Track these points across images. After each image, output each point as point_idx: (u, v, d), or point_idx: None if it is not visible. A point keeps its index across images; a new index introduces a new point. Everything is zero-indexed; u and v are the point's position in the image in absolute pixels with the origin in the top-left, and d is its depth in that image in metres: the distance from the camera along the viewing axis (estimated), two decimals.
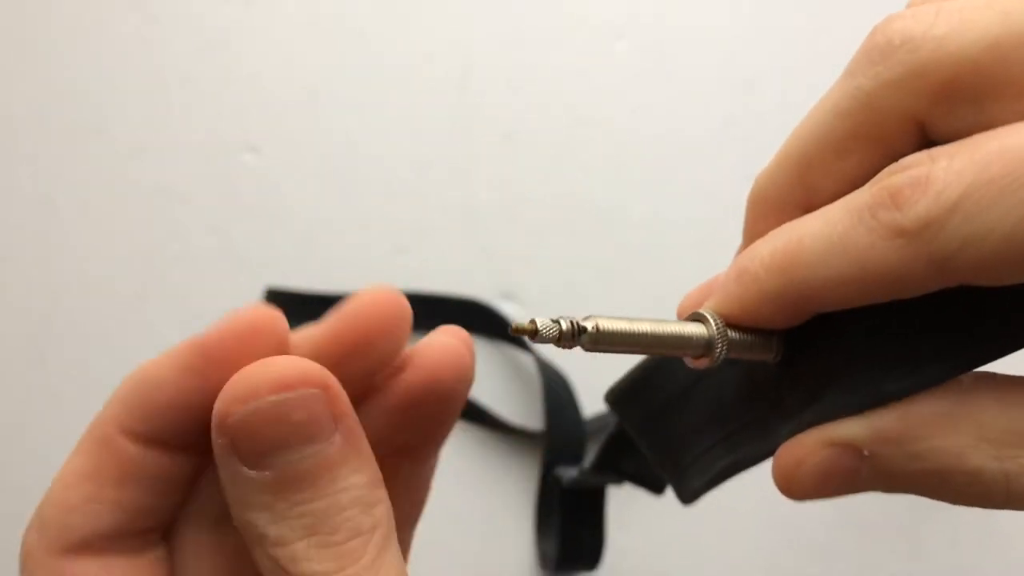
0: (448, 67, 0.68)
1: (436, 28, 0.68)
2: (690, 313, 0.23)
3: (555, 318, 0.21)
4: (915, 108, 0.20)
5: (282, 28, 0.67)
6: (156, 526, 0.22)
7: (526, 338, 0.21)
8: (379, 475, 0.21)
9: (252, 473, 0.19)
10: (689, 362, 0.23)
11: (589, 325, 0.21)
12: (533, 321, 0.21)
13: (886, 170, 0.20)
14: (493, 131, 0.67)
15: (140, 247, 0.64)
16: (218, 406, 0.20)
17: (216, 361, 0.20)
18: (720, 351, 0.22)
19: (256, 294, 0.64)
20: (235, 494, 0.20)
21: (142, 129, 0.65)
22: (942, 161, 0.19)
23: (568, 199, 0.66)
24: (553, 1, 0.69)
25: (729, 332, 0.23)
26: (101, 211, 0.64)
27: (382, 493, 0.21)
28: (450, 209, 0.66)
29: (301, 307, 0.63)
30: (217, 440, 0.20)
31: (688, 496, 0.28)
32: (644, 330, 0.21)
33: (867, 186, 0.20)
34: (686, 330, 0.22)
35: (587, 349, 0.21)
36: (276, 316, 0.22)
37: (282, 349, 0.21)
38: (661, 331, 0.22)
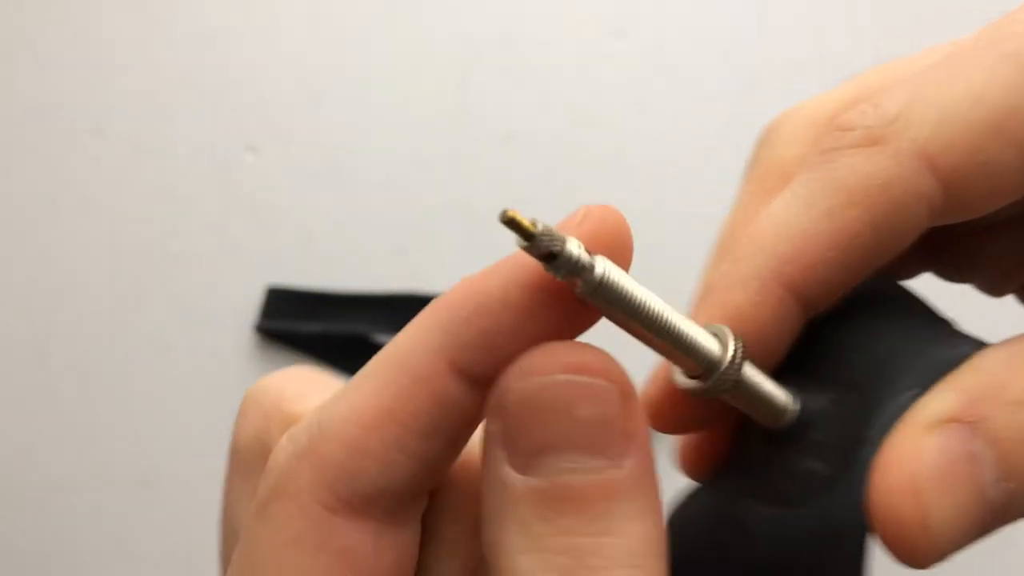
0: (448, 67, 0.68)
1: (436, 28, 0.68)
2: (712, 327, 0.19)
3: (565, 237, 0.17)
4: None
5: (282, 28, 0.67)
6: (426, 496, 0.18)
7: (516, 239, 0.16)
8: (662, 535, 0.16)
9: (516, 476, 0.16)
10: (677, 376, 0.19)
11: (599, 264, 0.16)
12: (534, 221, 0.16)
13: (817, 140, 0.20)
14: (493, 131, 0.67)
15: (140, 247, 0.64)
16: (499, 380, 0.16)
17: (551, 286, 0.17)
18: (725, 381, 0.18)
19: (256, 293, 0.64)
20: (491, 503, 0.16)
21: (142, 129, 0.65)
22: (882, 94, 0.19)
23: (568, 199, 0.66)
24: (553, 1, 0.69)
25: (748, 369, 0.18)
26: (101, 211, 0.64)
27: (659, 565, 0.16)
28: (450, 209, 0.66)
29: (301, 306, 0.63)
30: (489, 425, 0.16)
31: None
32: (654, 308, 0.17)
33: (806, 162, 0.20)
34: (697, 336, 0.18)
35: (579, 292, 0.17)
36: (622, 225, 0.18)
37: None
38: (671, 322, 0.17)
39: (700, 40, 0.69)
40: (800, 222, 0.19)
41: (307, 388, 0.21)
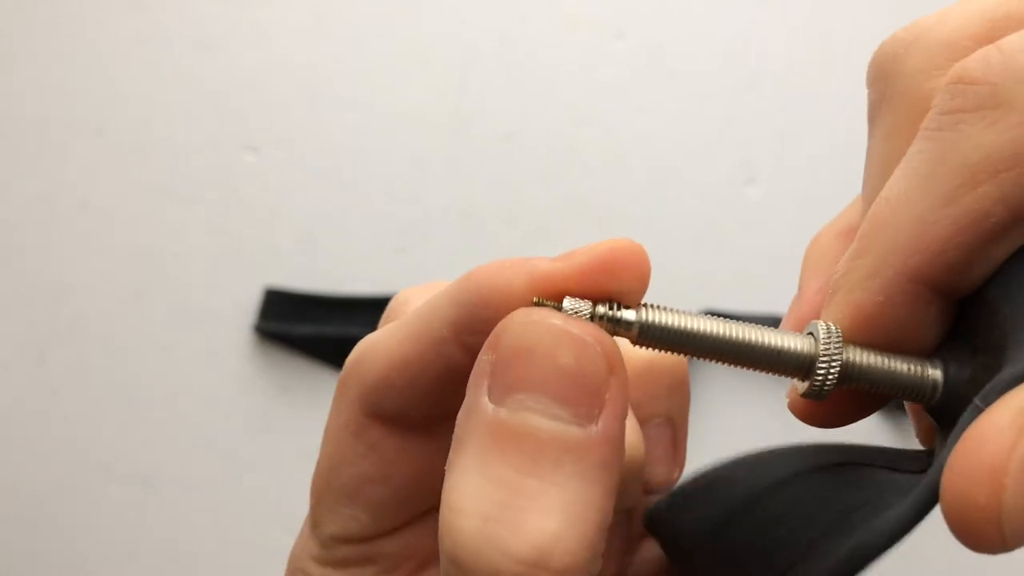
0: (448, 67, 0.68)
1: (436, 29, 0.68)
2: (807, 326, 0.18)
3: (597, 301, 0.18)
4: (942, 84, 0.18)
5: (282, 28, 0.67)
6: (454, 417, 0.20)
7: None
8: (606, 508, 0.17)
9: (489, 405, 0.17)
10: (795, 385, 0.18)
11: (630, 314, 0.17)
12: (563, 298, 0.17)
13: (947, 73, 0.17)
14: (493, 131, 0.67)
15: (140, 247, 0.64)
16: (503, 321, 0.17)
17: (556, 295, 0.18)
18: (826, 373, 0.17)
19: (255, 293, 0.64)
20: (460, 427, 0.17)
21: (142, 129, 0.65)
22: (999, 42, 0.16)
23: (568, 199, 0.66)
24: (553, 1, 0.69)
25: (852, 351, 0.17)
26: (101, 211, 0.64)
27: (588, 530, 0.16)
28: (450, 209, 0.66)
29: (299, 308, 0.63)
30: (481, 356, 0.17)
31: None
32: (716, 332, 0.17)
33: (932, 106, 0.17)
34: (780, 341, 0.17)
35: (635, 343, 0.18)
36: (640, 256, 0.18)
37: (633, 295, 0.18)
38: (741, 337, 0.17)
39: (700, 40, 0.69)
40: (919, 208, 0.17)
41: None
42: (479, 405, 0.17)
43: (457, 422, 0.18)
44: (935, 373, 0.17)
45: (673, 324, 0.17)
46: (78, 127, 0.65)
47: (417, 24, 0.68)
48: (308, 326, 0.63)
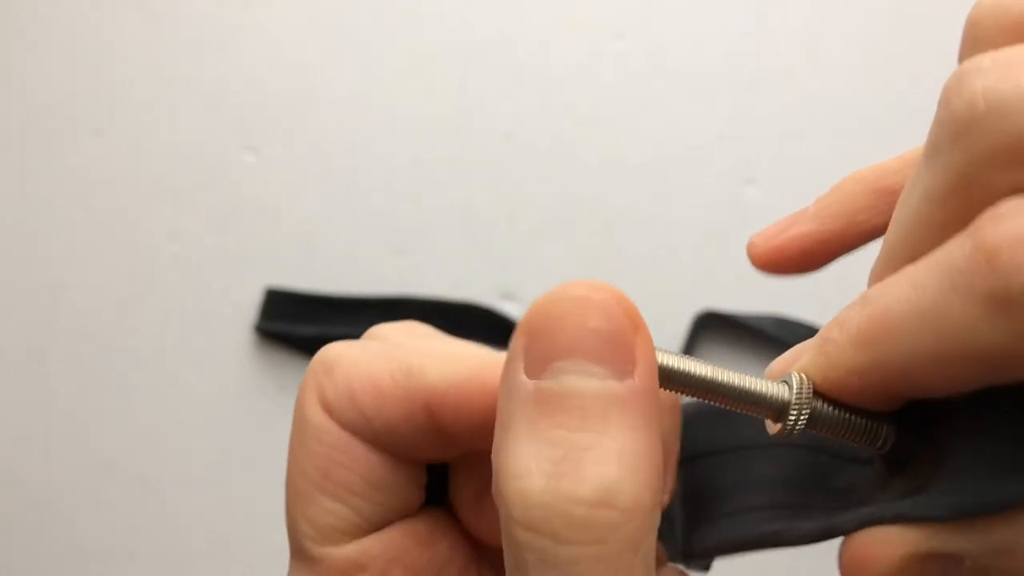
0: (448, 67, 0.68)
1: (436, 28, 0.68)
2: (782, 373, 0.20)
3: None
4: (1020, 180, 0.17)
5: (282, 28, 0.67)
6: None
7: None
8: (656, 452, 0.18)
9: (528, 381, 0.18)
10: (767, 425, 0.21)
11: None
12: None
13: (980, 219, 0.17)
14: (493, 131, 0.67)
15: (140, 247, 0.64)
16: (531, 306, 0.19)
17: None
18: (794, 421, 0.19)
19: (256, 294, 0.64)
20: (503, 410, 0.18)
21: (142, 129, 0.65)
22: None
23: (568, 199, 0.66)
24: (553, 2, 0.69)
25: (819, 404, 0.20)
26: (101, 211, 0.64)
27: (644, 475, 0.18)
28: (450, 209, 0.66)
29: (300, 308, 0.63)
30: (513, 344, 0.18)
31: (701, 551, 0.24)
32: (710, 376, 0.19)
33: (960, 238, 0.17)
34: (760, 388, 0.20)
35: None
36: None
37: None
38: (731, 382, 0.20)
39: (700, 40, 0.69)
40: (912, 349, 0.18)
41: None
42: (518, 383, 0.18)
43: (498, 407, 0.19)
44: (888, 432, 0.20)
45: (680, 368, 0.19)
46: (78, 127, 0.65)
47: (417, 24, 0.68)
48: (308, 326, 0.63)
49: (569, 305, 0.18)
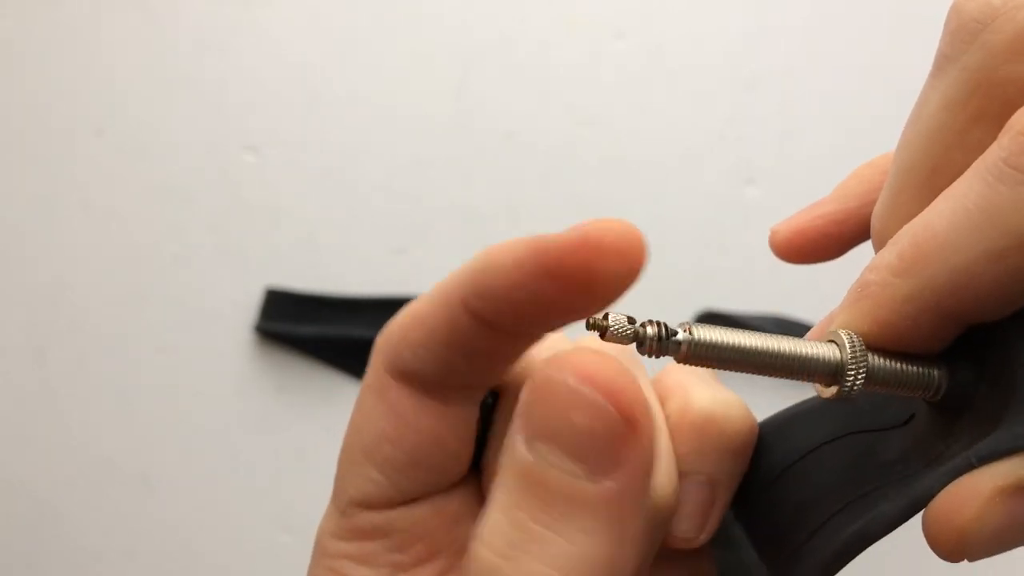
0: (448, 67, 0.68)
1: (436, 28, 0.68)
2: (827, 334, 0.19)
3: (644, 321, 0.19)
4: None
5: (282, 28, 0.67)
6: (471, 392, 0.22)
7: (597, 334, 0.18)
8: (615, 563, 0.18)
9: (521, 447, 0.18)
10: (818, 390, 0.20)
11: (681, 332, 0.18)
12: (605, 315, 0.18)
13: (1016, 116, 0.17)
14: (493, 131, 0.67)
15: (140, 247, 0.64)
16: (536, 371, 0.18)
17: (553, 267, 0.18)
18: (854, 379, 0.18)
19: (256, 293, 0.64)
20: (503, 456, 0.18)
21: (142, 129, 0.65)
22: None
23: (568, 199, 0.66)
24: (553, 2, 0.69)
25: (872, 358, 0.19)
26: (101, 211, 0.64)
27: None
28: (450, 209, 0.66)
29: (300, 309, 0.63)
30: (521, 394, 0.18)
31: None
32: (754, 345, 0.18)
33: (997, 141, 0.17)
34: (811, 350, 0.19)
35: (679, 361, 0.18)
36: (635, 239, 0.19)
37: (625, 278, 0.19)
38: (777, 348, 0.18)
39: (700, 40, 0.69)
40: (965, 257, 0.17)
41: None
42: (515, 443, 0.18)
43: (500, 458, 0.19)
44: (940, 376, 0.19)
45: (718, 341, 0.18)
46: (78, 127, 0.65)
47: (417, 24, 0.68)
48: (308, 326, 0.63)
49: (560, 394, 0.17)
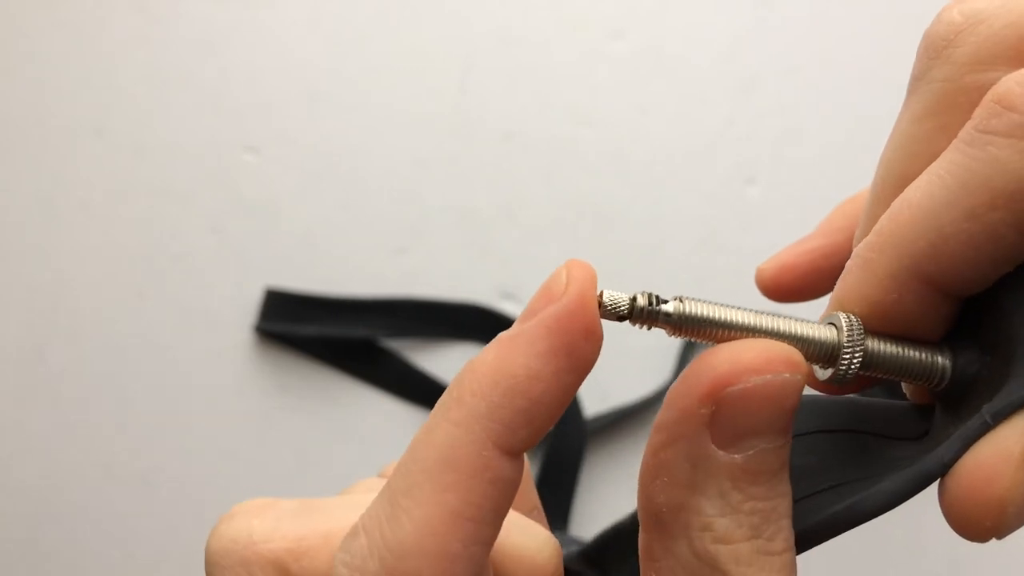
0: (448, 67, 0.68)
1: (435, 28, 0.68)
2: (825, 317, 0.19)
3: (633, 294, 0.19)
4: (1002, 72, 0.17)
5: (282, 28, 0.67)
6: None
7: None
8: None
9: (720, 454, 0.17)
10: (816, 373, 0.19)
11: (671, 305, 0.18)
12: (601, 292, 0.18)
13: (993, 87, 0.17)
14: (493, 131, 0.67)
15: (140, 247, 0.64)
16: (712, 374, 0.17)
17: (578, 336, 0.18)
18: (849, 361, 0.18)
19: (256, 294, 0.64)
20: (686, 475, 0.18)
21: (142, 129, 0.65)
22: None
23: (568, 199, 0.66)
24: (552, 1, 0.69)
25: (871, 341, 0.19)
26: (101, 211, 0.64)
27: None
28: (450, 209, 0.66)
29: (300, 309, 0.63)
30: (698, 410, 0.17)
31: None
32: (747, 322, 0.18)
33: (971, 119, 0.17)
34: (807, 331, 0.19)
35: (670, 333, 0.19)
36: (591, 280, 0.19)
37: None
38: (772, 326, 0.18)
39: (700, 40, 0.69)
40: (940, 219, 0.17)
41: (273, 522, 0.23)
42: (710, 454, 0.18)
43: (669, 469, 0.19)
44: (944, 361, 0.19)
45: (707, 315, 0.18)
46: (78, 127, 0.65)
47: (417, 24, 0.68)
48: (308, 326, 0.63)
49: (771, 391, 0.17)
